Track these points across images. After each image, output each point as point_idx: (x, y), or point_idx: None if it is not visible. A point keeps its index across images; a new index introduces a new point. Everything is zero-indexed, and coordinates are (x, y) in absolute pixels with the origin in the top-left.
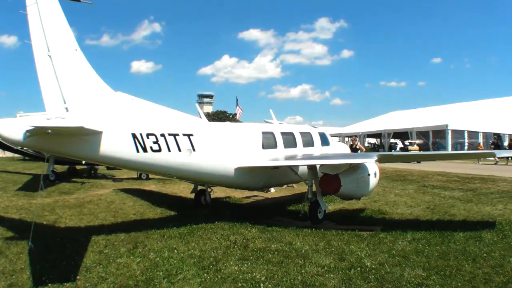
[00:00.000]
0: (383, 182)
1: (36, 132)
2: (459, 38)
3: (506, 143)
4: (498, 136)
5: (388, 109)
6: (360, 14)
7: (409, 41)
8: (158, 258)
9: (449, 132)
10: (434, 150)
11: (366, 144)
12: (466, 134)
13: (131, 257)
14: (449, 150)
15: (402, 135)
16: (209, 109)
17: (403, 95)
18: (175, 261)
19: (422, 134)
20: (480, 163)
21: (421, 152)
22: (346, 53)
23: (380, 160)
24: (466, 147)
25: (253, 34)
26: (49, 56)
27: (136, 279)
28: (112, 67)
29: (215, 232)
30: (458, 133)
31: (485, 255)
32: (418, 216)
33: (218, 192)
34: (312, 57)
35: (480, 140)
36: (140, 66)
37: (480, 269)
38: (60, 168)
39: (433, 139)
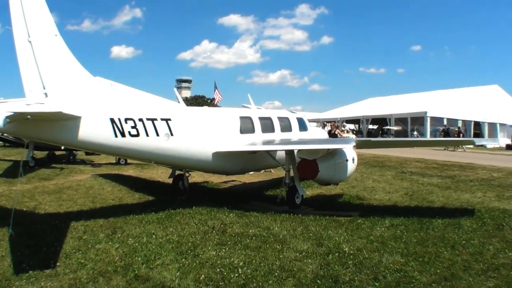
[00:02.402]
0: (361, 168)
1: (16, 118)
2: (439, 26)
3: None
4: (459, 128)
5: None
6: (340, 1)
7: (389, 29)
8: (136, 244)
9: (428, 119)
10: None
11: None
12: (445, 121)
13: (110, 242)
14: (428, 137)
15: (381, 121)
16: (187, 94)
17: (382, 82)
18: (153, 247)
19: (401, 120)
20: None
21: (400, 139)
22: (326, 40)
23: (359, 146)
24: (438, 134)
25: (233, 19)
26: (29, 41)
27: (115, 264)
28: (93, 52)
29: (193, 217)
30: (437, 120)
31: (464, 242)
32: (396, 202)
33: (196, 177)
34: (292, 43)
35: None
36: (120, 51)
37: (459, 256)
38: (39, 154)
39: (411, 126)
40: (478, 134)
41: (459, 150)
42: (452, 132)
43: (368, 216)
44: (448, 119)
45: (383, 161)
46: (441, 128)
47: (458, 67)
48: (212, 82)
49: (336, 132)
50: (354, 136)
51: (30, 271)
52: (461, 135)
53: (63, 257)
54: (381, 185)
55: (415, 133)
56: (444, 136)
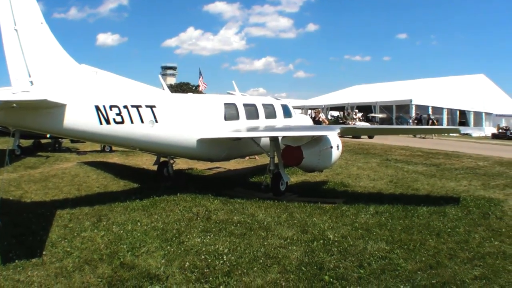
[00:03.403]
0: (346, 155)
1: (1, 107)
2: (426, 14)
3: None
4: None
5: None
6: None
7: (374, 17)
8: (121, 231)
9: (413, 107)
10: (397, 124)
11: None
12: (430, 110)
13: (95, 230)
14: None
15: (366, 108)
16: (172, 81)
17: (368, 69)
18: (138, 234)
19: (386, 108)
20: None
21: (384, 126)
22: (311, 27)
23: (343, 133)
24: (411, 122)
25: (218, 6)
26: (15, 30)
27: (101, 252)
28: (78, 40)
29: (178, 204)
30: (422, 108)
31: (449, 230)
32: (381, 190)
33: (180, 164)
34: (277, 30)
35: (445, 115)
36: (106, 38)
37: (444, 244)
38: (25, 142)
39: (396, 114)
40: (464, 122)
41: (434, 137)
42: (424, 119)
43: (352, 203)
44: (433, 107)
45: (367, 148)
46: (413, 116)
47: (444, 56)
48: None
49: (320, 119)
50: (367, 124)
51: (17, 261)
52: (430, 122)
53: (49, 246)
54: (365, 172)
55: (410, 120)
56: (417, 124)
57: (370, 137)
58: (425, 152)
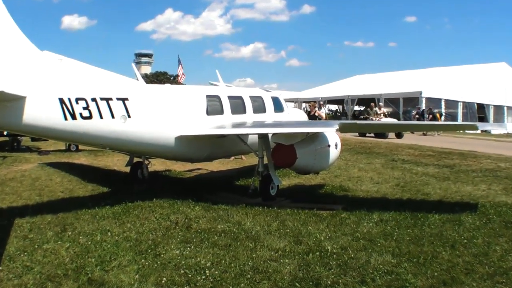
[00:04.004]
0: (346, 154)
1: None
2: None
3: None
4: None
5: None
6: None
7: None
8: (89, 243)
9: (423, 100)
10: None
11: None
12: (443, 103)
13: (60, 242)
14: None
15: (369, 102)
16: (147, 70)
17: (371, 57)
18: (108, 246)
19: (392, 101)
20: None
21: (390, 122)
22: (306, 9)
23: (342, 129)
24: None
25: None
26: None
27: (66, 267)
28: (40, 22)
29: (154, 211)
30: (433, 102)
31: (465, 241)
32: (386, 194)
33: (156, 165)
34: (267, 12)
35: (460, 110)
36: (72, 21)
37: (460, 257)
38: None
39: (404, 108)
40: (483, 118)
41: (434, 134)
42: (425, 113)
43: (353, 209)
44: (446, 101)
45: (370, 147)
46: (414, 111)
47: (459, 42)
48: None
49: (316, 114)
50: (394, 120)
51: None
52: (429, 117)
53: (6, 260)
54: (368, 174)
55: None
56: (418, 120)
57: (399, 136)
58: (437, 151)
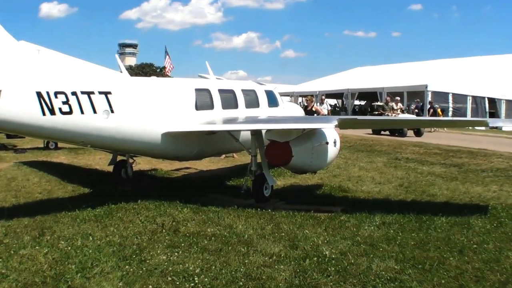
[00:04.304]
0: (345, 152)
1: None
2: None
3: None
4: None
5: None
6: None
7: None
8: (69, 248)
9: (429, 94)
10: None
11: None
12: (450, 98)
13: (37, 247)
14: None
15: (370, 96)
16: (132, 61)
17: (372, 48)
18: (90, 251)
19: (395, 95)
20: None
21: (393, 117)
22: None
23: (342, 125)
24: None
25: None
26: None
27: (44, 274)
28: (17, 10)
29: (139, 213)
30: (440, 96)
31: (475, 246)
32: (388, 196)
33: (142, 164)
34: (262, 0)
35: (469, 105)
36: (51, 9)
37: (469, 263)
38: None
39: (408, 102)
40: (493, 113)
41: (433, 130)
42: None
43: (353, 212)
44: (454, 95)
45: (372, 145)
46: (413, 106)
47: (468, 32)
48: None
49: (314, 109)
50: (413, 117)
51: None
52: (430, 111)
53: None
54: (369, 174)
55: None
56: (418, 115)
57: (419, 134)
58: (444, 149)
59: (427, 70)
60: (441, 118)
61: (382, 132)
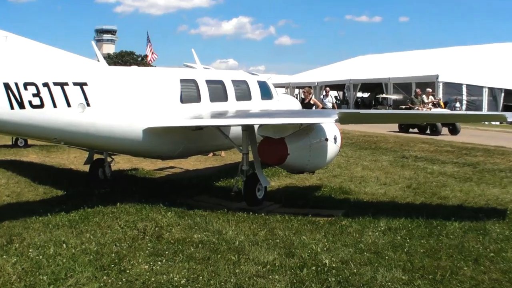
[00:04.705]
0: (347, 150)
1: None
2: None
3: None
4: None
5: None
6: None
7: None
8: (41, 257)
9: (440, 85)
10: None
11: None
12: (464, 89)
13: (5, 256)
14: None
15: (375, 87)
16: (110, 49)
17: (377, 34)
18: (64, 260)
19: (402, 87)
20: None
21: (401, 111)
22: None
23: (343, 120)
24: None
25: None
26: None
27: (12, 286)
28: None
29: (118, 218)
30: (452, 87)
31: (492, 255)
32: (395, 198)
33: (121, 163)
34: None
35: (485, 97)
36: None
37: (485, 274)
38: None
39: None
40: (511, 107)
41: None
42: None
43: (356, 216)
44: (468, 86)
45: (376, 141)
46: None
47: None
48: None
49: (312, 102)
50: (447, 111)
51: None
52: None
53: None
54: (374, 174)
55: (458, 104)
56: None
57: (454, 132)
58: (457, 146)
59: (438, 58)
60: (457, 112)
61: (411, 130)
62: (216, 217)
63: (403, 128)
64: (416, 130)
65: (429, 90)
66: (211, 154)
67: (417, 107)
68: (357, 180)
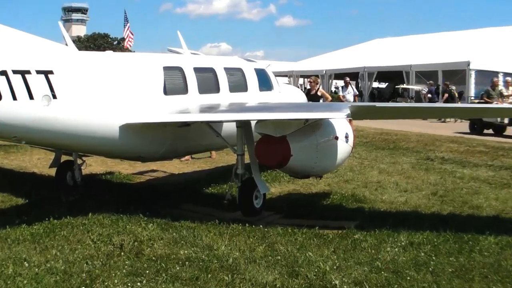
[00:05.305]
0: (360, 150)
1: None
2: None
3: None
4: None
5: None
6: None
7: None
8: None
9: (472, 74)
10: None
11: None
12: (500, 78)
13: None
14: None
15: (394, 76)
16: (81, 30)
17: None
18: (25, 282)
19: (426, 75)
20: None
21: (425, 104)
22: None
23: (355, 114)
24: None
25: None
26: None
27: None
28: None
29: (90, 231)
30: (486, 76)
31: None
32: (418, 207)
33: (94, 165)
34: None
35: None
36: None
37: None
38: None
39: (444, 84)
40: None
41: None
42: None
43: (371, 228)
44: (505, 75)
45: (396, 140)
46: (425, 89)
47: None
48: (121, 14)
49: (319, 93)
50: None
51: None
52: (444, 96)
53: None
54: (392, 178)
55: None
56: (431, 100)
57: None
58: (492, 146)
59: (470, 42)
60: (489, 105)
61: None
62: (206, 230)
63: (476, 129)
64: (491, 131)
65: (509, 79)
66: (214, 155)
67: (495, 101)
68: (372, 186)
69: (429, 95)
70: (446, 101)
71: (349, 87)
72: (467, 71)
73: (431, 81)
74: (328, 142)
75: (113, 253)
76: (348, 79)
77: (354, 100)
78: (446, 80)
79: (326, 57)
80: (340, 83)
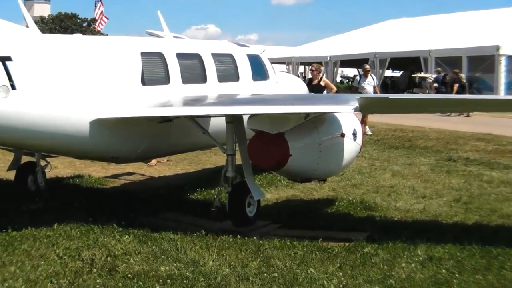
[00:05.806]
0: (370, 150)
1: None
2: None
3: None
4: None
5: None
6: None
7: None
8: None
9: (502, 60)
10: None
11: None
12: None
13: None
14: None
15: (410, 63)
16: (44, 10)
17: None
18: None
19: (448, 62)
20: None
21: (446, 96)
22: None
23: (365, 108)
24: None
25: None
26: None
27: None
28: None
29: (55, 244)
30: None
31: None
32: (438, 216)
33: (60, 168)
34: None
35: None
36: None
37: None
38: None
39: (469, 73)
40: None
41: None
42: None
43: (384, 240)
44: None
45: (412, 137)
46: (431, 79)
47: None
48: None
49: (322, 83)
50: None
51: None
52: (454, 86)
53: None
54: (408, 182)
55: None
56: (438, 91)
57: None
58: None
59: (499, 23)
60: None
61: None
62: (190, 242)
63: None
64: None
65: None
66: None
67: None
68: (385, 191)
69: (435, 84)
70: (457, 93)
71: (369, 77)
72: (496, 57)
73: (439, 68)
74: (333, 140)
75: (82, 270)
76: (367, 66)
77: (375, 92)
78: (472, 68)
79: (330, 41)
80: (347, 71)
